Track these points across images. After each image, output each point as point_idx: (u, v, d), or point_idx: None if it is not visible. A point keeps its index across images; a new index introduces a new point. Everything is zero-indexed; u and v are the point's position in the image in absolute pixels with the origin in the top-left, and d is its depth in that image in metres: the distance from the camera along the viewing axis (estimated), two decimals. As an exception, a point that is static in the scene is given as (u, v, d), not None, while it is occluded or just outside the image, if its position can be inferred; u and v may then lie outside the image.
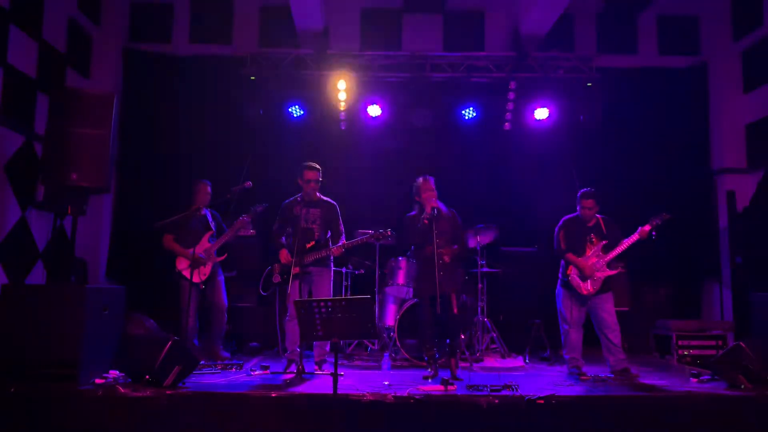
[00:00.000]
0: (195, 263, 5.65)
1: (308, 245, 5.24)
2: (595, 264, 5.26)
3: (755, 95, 7.28)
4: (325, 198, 5.51)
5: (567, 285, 5.36)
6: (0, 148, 5.62)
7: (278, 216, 5.51)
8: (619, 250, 5.25)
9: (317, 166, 5.43)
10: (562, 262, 5.47)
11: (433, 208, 5.15)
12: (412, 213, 5.43)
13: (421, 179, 5.39)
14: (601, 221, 5.42)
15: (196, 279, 5.71)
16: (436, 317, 5.12)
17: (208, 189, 6.08)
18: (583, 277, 5.26)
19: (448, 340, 5.19)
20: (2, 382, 4.04)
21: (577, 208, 5.46)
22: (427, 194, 5.28)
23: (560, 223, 5.55)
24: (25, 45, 5.94)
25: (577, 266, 5.30)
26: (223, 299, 5.97)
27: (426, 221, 5.15)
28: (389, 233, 5.33)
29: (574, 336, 5.37)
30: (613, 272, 5.26)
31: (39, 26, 6.16)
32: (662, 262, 7.40)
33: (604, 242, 5.30)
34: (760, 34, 7.12)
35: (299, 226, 5.19)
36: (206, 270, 5.82)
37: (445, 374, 4.77)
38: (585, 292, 5.25)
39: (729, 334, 6.61)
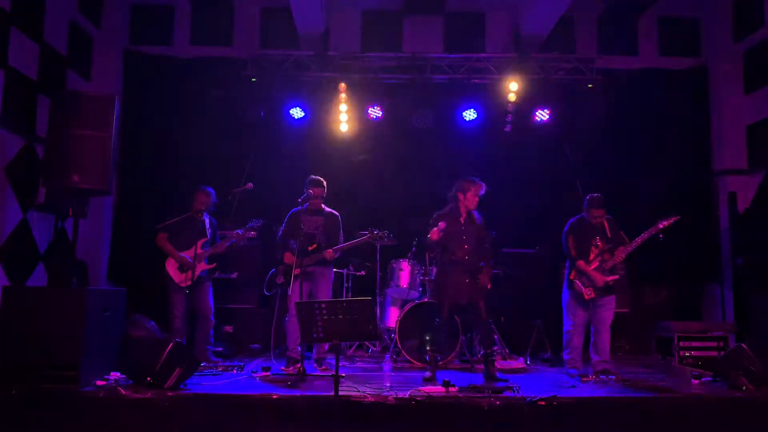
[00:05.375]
0: (182, 266, 5.73)
1: (310, 248, 5.46)
2: (600, 270, 5.24)
3: (756, 96, 7.26)
4: (328, 209, 5.73)
5: (572, 287, 5.36)
6: (1, 151, 5.62)
7: (284, 224, 5.66)
8: (636, 244, 5.17)
9: (323, 182, 5.64)
10: (568, 262, 5.44)
11: (469, 212, 5.21)
12: (442, 212, 5.29)
13: (470, 182, 5.27)
14: (605, 223, 5.37)
15: (181, 282, 5.71)
16: (453, 322, 5.16)
17: (207, 196, 5.90)
18: (586, 283, 5.25)
19: (482, 351, 5.21)
20: (4, 384, 4.05)
21: (584, 214, 5.41)
22: (472, 200, 5.26)
23: (566, 227, 5.49)
24: (26, 47, 5.94)
25: (587, 276, 5.26)
26: (208, 305, 5.88)
27: (462, 221, 5.17)
28: (384, 235, 5.61)
29: (576, 338, 5.38)
30: (615, 277, 5.25)
31: (40, 29, 6.17)
32: (663, 264, 7.37)
33: (608, 246, 5.27)
34: (761, 36, 7.10)
35: (302, 232, 5.36)
36: (193, 275, 5.73)
37: (444, 376, 4.76)
38: (587, 297, 5.25)
39: (730, 336, 6.56)
